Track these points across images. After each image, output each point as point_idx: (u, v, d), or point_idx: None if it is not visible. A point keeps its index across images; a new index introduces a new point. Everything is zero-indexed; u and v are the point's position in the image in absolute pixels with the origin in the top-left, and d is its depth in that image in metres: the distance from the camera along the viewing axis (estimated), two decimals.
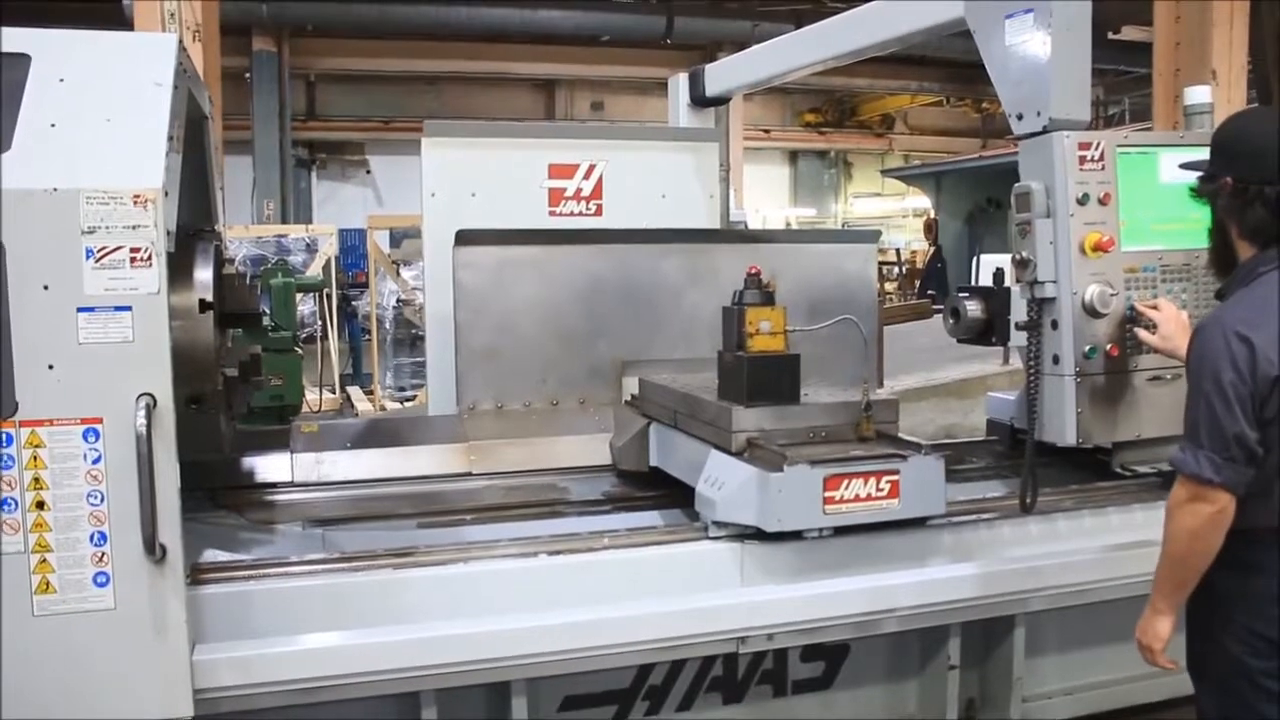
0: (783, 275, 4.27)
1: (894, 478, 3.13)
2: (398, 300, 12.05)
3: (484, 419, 4.10)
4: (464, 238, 4.09)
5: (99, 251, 2.45)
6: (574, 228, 4.40)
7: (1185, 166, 2.76)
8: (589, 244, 4.23)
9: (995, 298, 3.60)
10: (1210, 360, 2.35)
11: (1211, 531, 2.36)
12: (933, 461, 3.19)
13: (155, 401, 2.48)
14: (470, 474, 3.97)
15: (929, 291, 18.04)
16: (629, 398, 4.21)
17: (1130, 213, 3.31)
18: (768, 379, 3.37)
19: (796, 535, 3.13)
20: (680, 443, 3.69)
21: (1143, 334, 3.18)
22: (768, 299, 3.49)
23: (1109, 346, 3.29)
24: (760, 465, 3.15)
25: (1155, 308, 3.19)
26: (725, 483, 3.21)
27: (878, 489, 3.12)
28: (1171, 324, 3.12)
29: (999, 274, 3.65)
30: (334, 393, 11.09)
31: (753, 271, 3.54)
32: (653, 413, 3.95)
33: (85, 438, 2.48)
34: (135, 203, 2.47)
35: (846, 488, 3.09)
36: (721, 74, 5.05)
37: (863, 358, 3.48)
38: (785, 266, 4.33)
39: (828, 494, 3.07)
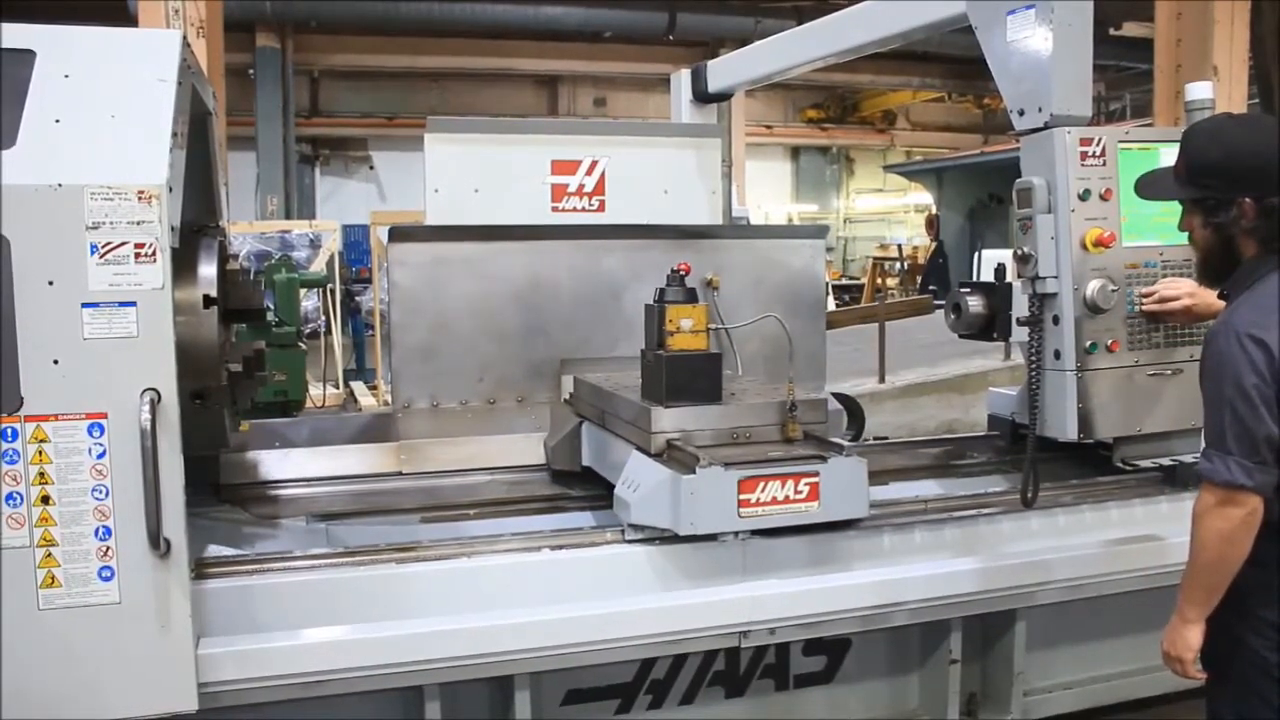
0: (729, 272, 4.26)
1: (813, 480, 3.05)
2: None
3: (417, 418, 4.07)
4: (398, 234, 4.05)
5: (103, 247, 2.46)
6: (570, 224, 4.37)
7: (1151, 197, 2.75)
8: (528, 240, 4.16)
9: (997, 293, 3.60)
10: (1229, 365, 2.34)
11: (1245, 534, 2.35)
12: (854, 463, 3.12)
13: (159, 397, 2.49)
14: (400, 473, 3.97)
15: (930, 287, 18.01)
16: (566, 396, 4.15)
17: (1131, 208, 3.31)
18: (688, 378, 3.30)
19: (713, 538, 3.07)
20: (607, 443, 3.64)
21: (1177, 304, 3.23)
22: (690, 296, 3.45)
23: (1110, 342, 3.29)
24: (675, 467, 3.08)
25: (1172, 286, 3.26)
26: (641, 484, 3.14)
27: (796, 492, 3.03)
28: (1188, 285, 3.22)
29: (1000, 269, 3.65)
30: (337, 388, 11.10)
31: (678, 268, 3.50)
32: (584, 412, 3.89)
33: (90, 432, 2.48)
34: (139, 198, 2.48)
35: (763, 490, 3.01)
36: (724, 70, 5.05)
37: (819, 355, 3.38)
38: (732, 263, 4.32)
39: (743, 496, 2.99)
